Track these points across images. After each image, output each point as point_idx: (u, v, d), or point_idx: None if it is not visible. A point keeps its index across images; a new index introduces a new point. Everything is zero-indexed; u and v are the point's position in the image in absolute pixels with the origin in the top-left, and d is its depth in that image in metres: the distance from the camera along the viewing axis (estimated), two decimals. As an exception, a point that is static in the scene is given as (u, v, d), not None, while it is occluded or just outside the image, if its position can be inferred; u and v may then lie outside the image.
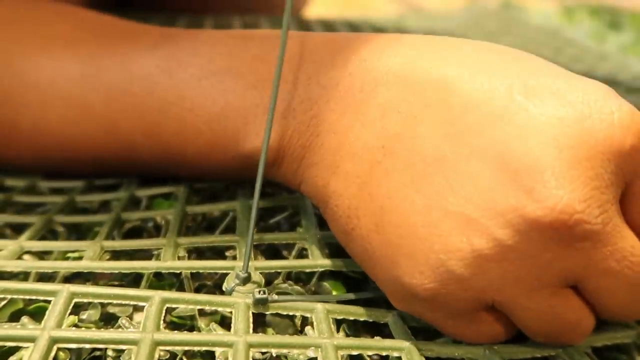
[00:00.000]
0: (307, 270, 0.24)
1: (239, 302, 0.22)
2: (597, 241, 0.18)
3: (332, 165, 0.23)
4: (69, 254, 0.25)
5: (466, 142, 0.19)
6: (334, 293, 0.24)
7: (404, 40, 0.23)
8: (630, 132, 0.18)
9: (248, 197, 0.29)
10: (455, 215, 0.19)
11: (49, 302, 0.21)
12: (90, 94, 0.28)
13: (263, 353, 0.21)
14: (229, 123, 0.25)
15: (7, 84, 0.29)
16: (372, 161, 0.21)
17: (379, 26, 0.63)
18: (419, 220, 0.19)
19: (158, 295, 0.21)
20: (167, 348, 0.20)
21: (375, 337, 0.22)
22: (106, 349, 0.21)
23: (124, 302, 0.22)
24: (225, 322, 0.22)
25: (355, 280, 0.25)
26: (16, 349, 0.20)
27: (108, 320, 0.23)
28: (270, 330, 0.23)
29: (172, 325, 0.23)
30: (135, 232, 0.28)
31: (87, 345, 0.19)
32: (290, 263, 0.24)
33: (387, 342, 0.21)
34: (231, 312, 0.21)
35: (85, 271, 0.24)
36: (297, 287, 0.24)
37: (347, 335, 0.22)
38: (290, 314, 0.22)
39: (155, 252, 0.25)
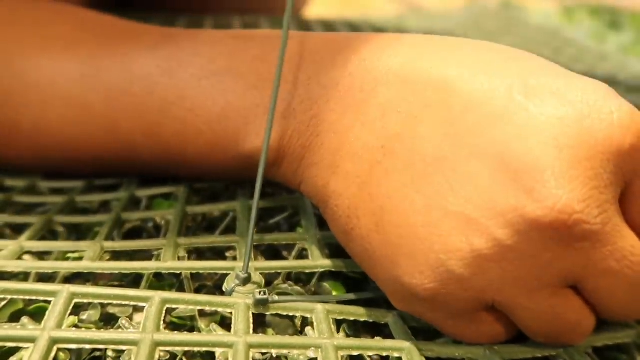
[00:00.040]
0: (307, 271, 0.24)
1: (239, 303, 0.22)
2: (596, 241, 0.18)
3: (332, 165, 0.23)
4: (69, 255, 0.25)
5: (466, 142, 0.19)
6: (334, 293, 0.24)
7: (404, 40, 0.23)
8: (630, 132, 0.18)
9: (248, 198, 0.29)
10: (455, 215, 0.19)
11: (49, 302, 0.21)
12: (90, 94, 0.28)
13: (263, 354, 0.21)
14: (229, 123, 0.25)
15: (8, 84, 0.29)
16: (372, 161, 0.21)
17: (379, 26, 0.63)
18: (419, 220, 0.19)
19: (158, 295, 0.21)
20: (167, 349, 0.20)
21: (375, 338, 0.22)
22: (106, 349, 0.21)
23: (124, 302, 0.22)
24: (225, 323, 0.22)
25: (356, 281, 0.25)
26: (16, 350, 0.20)
27: (108, 320, 0.23)
28: (270, 330, 0.23)
29: (172, 326, 0.23)
30: (135, 233, 0.28)
31: (87, 346, 0.19)
32: (291, 264, 0.24)
33: (388, 343, 0.21)
34: (231, 313, 0.21)
35: (86, 271, 0.24)
36: (297, 288, 0.24)
37: (348, 336, 0.22)
38: (291, 314, 0.22)
39: (156, 253, 0.25)
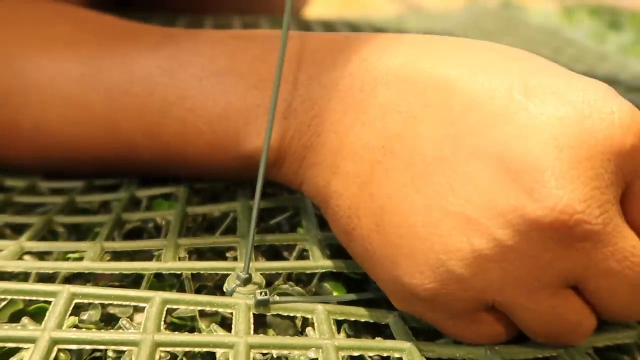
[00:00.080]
0: (308, 271, 0.24)
1: (239, 303, 0.22)
2: (597, 241, 0.18)
3: (333, 165, 0.23)
4: (70, 255, 0.25)
5: (466, 142, 0.19)
6: (335, 294, 0.24)
7: (405, 40, 0.23)
8: (630, 132, 0.18)
9: (248, 198, 0.29)
10: (455, 215, 0.19)
11: (49, 302, 0.21)
12: (90, 94, 0.28)
13: (264, 354, 0.21)
14: (230, 123, 0.25)
15: (8, 84, 0.29)
16: (373, 161, 0.21)
17: (379, 26, 0.63)
18: (419, 220, 0.19)
19: (159, 296, 0.21)
20: (168, 349, 0.20)
21: (376, 338, 0.22)
22: (106, 350, 0.21)
23: (124, 302, 0.22)
24: (225, 323, 0.22)
25: (356, 281, 0.25)
26: (16, 350, 0.20)
27: (108, 321, 0.23)
28: (270, 331, 0.23)
29: (173, 326, 0.23)
30: (135, 233, 0.28)
31: (88, 346, 0.19)
32: (291, 264, 0.24)
33: (388, 343, 0.21)
34: (232, 313, 0.21)
35: (86, 272, 0.24)
36: (298, 288, 0.24)
37: (348, 336, 0.22)
38: (291, 314, 0.22)
39: (156, 253, 0.25)
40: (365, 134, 0.22)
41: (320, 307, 0.22)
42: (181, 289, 0.24)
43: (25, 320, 0.22)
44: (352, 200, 0.22)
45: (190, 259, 0.25)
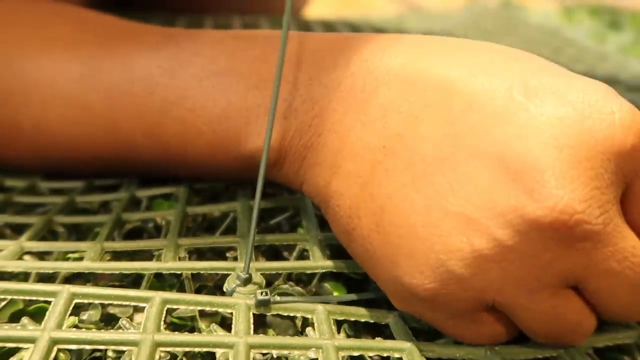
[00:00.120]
0: (308, 272, 0.24)
1: (239, 303, 0.22)
2: (597, 241, 0.18)
3: (333, 165, 0.23)
4: (70, 255, 0.25)
5: (466, 142, 0.19)
6: (335, 294, 0.24)
7: (405, 40, 0.23)
8: (631, 132, 0.18)
9: (249, 198, 0.29)
10: (455, 216, 0.19)
11: (49, 302, 0.21)
12: (90, 94, 0.28)
13: (264, 354, 0.21)
14: (230, 124, 0.25)
15: (8, 84, 0.29)
16: (373, 161, 0.21)
17: (379, 26, 0.63)
18: (419, 220, 0.19)
19: (159, 296, 0.21)
20: (168, 349, 0.20)
21: (376, 338, 0.22)
22: (106, 350, 0.21)
23: (124, 302, 0.22)
24: (225, 323, 0.22)
25: (356, 281, 0.25)
26: (16, 350, 0.20)
27: (108, 321, 0.23)
28: (270, 331, 0.23)
29: (173, 326, 0.23)
30: (135, 233, 0.28)
31: (88, 346, 0.19)
32: (292, 264, 0.24)
33: (388, 343, 0.21)
34: (232, 313, 0.21)
35: (86, 272, 0.24)
36: (298, 288, 0.24)
37: (348, 336, 0.22)
38: (291, 315, 0.22)
39: (156, 253, 0.25)
40: (365, 134, 0.22)
41: (320, 307, 0.22)
42: (181, 289, 0.24)
43: (25, 320, 0.22)
44: (353, 200, 0.22)
45: (190, 259, 0.25)
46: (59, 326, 0.20)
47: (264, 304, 0.22)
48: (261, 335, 0.21)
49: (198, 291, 0.25)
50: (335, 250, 0.25)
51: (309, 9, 0.73)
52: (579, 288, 0.19)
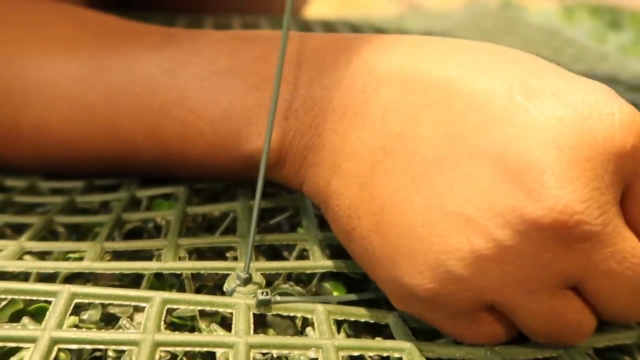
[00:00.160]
0: (308, 271, 0.24)
1: (239, 303, 0.22)
2: (597, 242, 0.18)
3: (333, 165, 0.23)
4: (70, 255, 0.25)
5: (466, 143, 0.19)
6: (335, 294, 0.24)
7: (405, 40, 0.23)
8: (631, 133, 0.18)
9: (248, 198, 0.29)
10: (455, 216, 0.19)
11: (49, 302, 0.21)
12: (91, 94, 0.28)
13: (264, 354, 0.21)
14: (231, 124, 0.25)
15: (8, 84, 0.29)
16: (373, 161, 0.21)
17: (378, 25, 0.63)
18: (419, 220, 0.19)
19: (159, 295, 0.21)
20: (168, 349, 0.20)
21: (376, 338, 0.22)
22: (107, 349, 0.21)
23: (124, 302, 0.22)
24: (225, 323, 0.22)
25: (356, 281, 0.25)
26: (17, 350, 0.20)
27: (109, 320, 0.23)
28: (270, 331, 0.23)
29: (173, 326, 0.23)
30: (135, 233, 0.28)
31: (88, 346, 0.19)
32: (292, 264, 0.24)
33: (388, 343, 0.21)
34: (232, 313, 0.21)
35: (86, 272, 0.24)
36: (298, 288, 0.24)
37: (348, 336, 0.22)
38: (292, 314, 0.22)
39: (156, 253, 0.25)
40: (365, 134, 0.22)
41: (320, 307, 0.22)
42: (181, 289, 0.24)
43: (25, 320, 0.22)
44: (352, 200, 0.22)
45: (190, 259, 0.25)
46: (60, 326, 0.20)
47: (264, 303, 0.22)
48: (261, 335, 0.21)
49: (198, 291, 0.25)
50: (335, 250, 0.25)
51: (309, 9, 0.73)
52: (578, 288, 0.19)
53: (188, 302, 0.22)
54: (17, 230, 0.28)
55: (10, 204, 0.30)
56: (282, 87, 0.24)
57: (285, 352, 0.20)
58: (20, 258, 0.25)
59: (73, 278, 0.25)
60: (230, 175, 0.28)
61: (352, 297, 0.23)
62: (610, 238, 0.18)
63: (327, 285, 0.24)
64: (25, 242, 0.26)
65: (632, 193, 0.19)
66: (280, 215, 0.29)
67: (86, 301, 0.21)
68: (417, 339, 0.21)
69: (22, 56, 0.29)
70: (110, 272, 0.24)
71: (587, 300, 0.20)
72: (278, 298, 0.22)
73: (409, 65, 0.21)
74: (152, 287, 0.24)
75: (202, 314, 0.23)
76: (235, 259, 0.25)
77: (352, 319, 0.22)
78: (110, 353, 0.21)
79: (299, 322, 0.23)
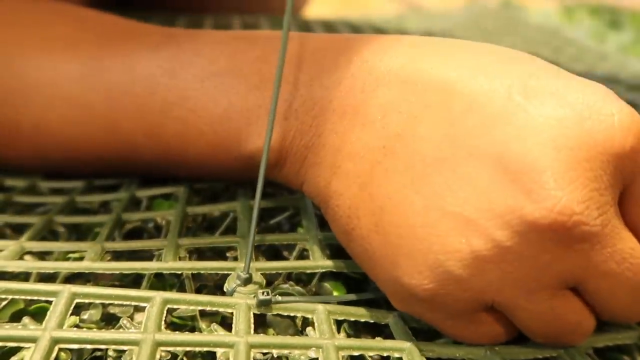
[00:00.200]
0: (308, 271, 0.24)
1: (240, 303, 0.22)
2: (596, 243, 0.18)
3: (333, 165, 0.23)
4: (70, 255, 0.25)
5: (466, 143, 0.19)
6: (335, 294, 0.24)
7: (405, 41, 0.23)
8: (630, 134, 0.18)
9: (248, 198, 0.29)
10: (454, 216, 0.19)
11: (50, 302, 0.21)
12: (91, 94, 0.28)
13: (264, 354, 0.21)
14: (231, 124, 0.25)
15: (8, 84, 0.29)
16: (373, 161, 0.21)
17: (378, 25, 0.63)
18: (418, 220, 0.19)
19: (159, 295, 0.21)
20: (169, 349, 0.20)
21: (376, 338, 0.22)
22: (107, 349, 0.21)
23: (125, 302, 0.22)
24: (226, 323, 0.22)
25: (356, 281, 0.25)
26: (17, 350, 0.20)
27: (109, 320, 0.23)
28: (271, 330, 0.23)
29: (173, 326, 0.23)
30: (135, 233, 0.28)
31: (89, 346, 0.19)
32: (292, 264, 0.24)
33: (388, 343, 0.21)
34: (232, 313, 0.21)
35: (86, 272, 0.24)
36: (298, 288, 0.24)
37: (348, 336, 0.22)
38: (292, 314, 0.22)
39: (156, 253, 0.25)
40: (365, 134, 0.22)
41: (320, 307, 0.22)
42: (181, 289, 0.24)
43: (26, 319, 0.22)
44: (352, 200, 0.22)
45: (190, 258, 0.25)
46: (60, 326, 0.20)
47: (265, 303, 0.22)
48: (261, 334, 0.21)
49: (198, 291, 0.25)
50: (335, 250, 0.25)
51: (309, 9, 0.73)
52: (578, 289, 0.19)
53: (188, 302, 0.22)
54: (17, 230, 0.28)
55: (10, 204, 0.30)
56: (282, 87, 0.24)
57: (285, 351, 0.20)
58: (21, 258, 0.25)
59: (73, 278, 0.25)
60: (230, 175, 0.28)
61: (352, 297, 0.23)
62: (609, 239, 0.18)
63: (327, 285, 0.24)
64: (25, 242, 0.26)
65: (631, 194, 0.19)
66: (280, 215, 0.29)
67: (87, 301, 0.21)
68: (417, 339, 0.21)
69: (22, 56, 0.29)
70: (110, 272, 0.24)
71: (586, 300, 0.20)
72: (279, 298, 0.22)
73: (409, 66, 0.21)
74: (152, 287, 0.24)
75: (203, 314, 0.23)
76: (235, 259, 0.25)
77: (352, 319, 0.22)
78: (110, 353, 0.21)
79: (299, 322, 0.23)
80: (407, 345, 0.21)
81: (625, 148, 0.18)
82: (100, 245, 0.25)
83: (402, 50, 0.22)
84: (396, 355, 0.21)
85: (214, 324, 0.22)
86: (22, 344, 0.19)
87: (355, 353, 0.20)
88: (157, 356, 0.19)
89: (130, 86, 0.27)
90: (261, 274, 0.23)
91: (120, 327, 0.22)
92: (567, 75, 0.20)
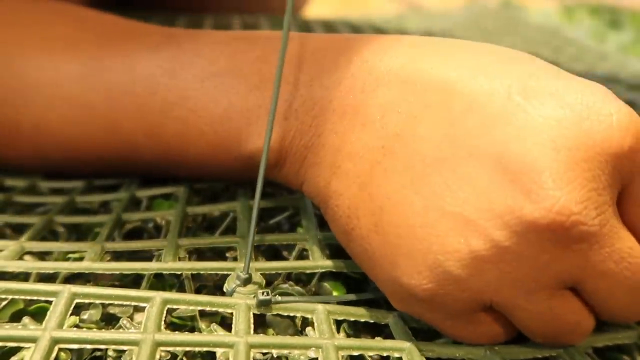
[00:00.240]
0: (308, 271, 0.24)
1: (239, 303, 0.22)
2: (594, 243, 0.18)
3: (333, 165, 0.23)
4: (70, 255, 0.25)
5: (465, 143, 0.19)
6: (335, 294, 0.24)
7: (405, 41, 0.23)
8: (628, 134, 0.18)
9: (248, 198, 0.29)
10: (453, 216, 0.19)
11: (50, 302, 0.21)
12: (91, 94, 0.28)
13: (264, 354, 0.21)
14: (231, 124, 0.25)
15: (8, 84, 0.29)
16: (373, 161, 0.21)
17: (378, 25, 0.63)
18: (418, 220, 0.19)
19: (159, 296, 0.21)
20: (168, 349, 0.20)
21: (376, 338, 0.22)
22: (107, 349, 0.21)
23: (125, 302, 0.22)
24: (225, 323, 0.23)
25: (356, 281, 0.25)
26: (17, 350, 0.20)
27: (109, 320, 0.23)
28: (270, 330, 0.23)
29: (173, 326, 0.23)
30: (135, 233, 0.28)
31: (88, 346, 0.19)
32: (291, 264, 0.24)
33: (388, 343, 0.21)
34: (232, 313, 0.21)
35: (86, 272, 0.24)
36: (298, 288, 0.24)
37: (348, 336, 0.22)
38: (291, 314, 0.22)
39: (156, 253, 0.25)
40: (365, 134, 0.22)
41: (320, 307, 0.22)
42: (181, 289, 0.24)
43: (26, 319, 0.22)
44: (352, 200, 0.22)
45: (190, 259, 0.25)
46: (60, 326, 0.20)
47: (265, 303, 0.22)
48: (261, 335, 0.21)
49: (198, 291, 0.25)
50: (335, 250, 0.25)
51: (309, 9, 0.73)
52: (577, 289, 0.19)
53: (188, 302, 0.22)
54: (17, 230, 0.28)
55: (10, 204, 0.30)
56: (282, 87, 0.24)
57: (285, 351, 0.20)
58: (21, 258, 0.25)
59: (73, 278, 0.25)
60: (230, 175, 0.28)
61: (352, 297, 0.23)
62: (607, 238, 0.18)
63: (326, 285, 0.24)
64: (25, 242, 0.26)
65: (629, 193, 0.19)
66: (280, 215, 0.29)
67: (86, 301, 0.21)
68: (417, 339, 0.21)
69: (22, 56, 0.29)
70: (110, 272, 0.24)
71: (585, 300, 0.20)
72: (278, 298, 0.22)
73: (408, 66, 0.21)
74: (152, 287, 0.24)
75: (202, 314, 0.23)
76: (235, 259, 0.25)
77: (352, 319, 0.22)
78: (110, 353, 0.21)
79: (298, 322, 0.23)
80: (406, 345, 0.21)
81: (624, 148, 0.18)
82: (100, 245, 0.25)
83: (402, 50, 0.22)
84: (396, 355, 0.21)
85: (214, 324, 0.22)
86: (22, 344, 0.19)
87: (355, 353, 0.20)
88: (157, 356, 0.19)
89: (131, 86, 0.27)
90: (261, 274, 0.23)
91: (120, 327, 0.22)
92: (566, 75, 0.20)
